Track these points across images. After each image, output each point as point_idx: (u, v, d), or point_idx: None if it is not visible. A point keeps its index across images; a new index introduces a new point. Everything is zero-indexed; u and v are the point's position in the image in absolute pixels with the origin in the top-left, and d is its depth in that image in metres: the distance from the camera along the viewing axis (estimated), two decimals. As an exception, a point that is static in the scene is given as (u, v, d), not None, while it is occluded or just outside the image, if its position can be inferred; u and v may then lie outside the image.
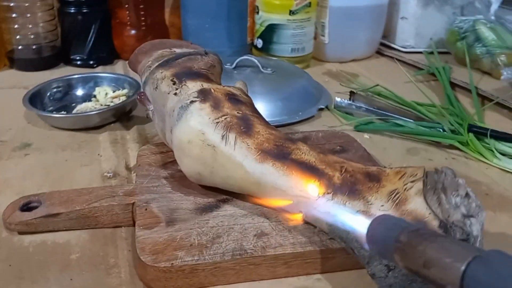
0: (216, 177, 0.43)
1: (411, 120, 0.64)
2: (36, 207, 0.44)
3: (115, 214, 0.44)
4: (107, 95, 0.69)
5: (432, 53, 0.85)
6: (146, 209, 0.43)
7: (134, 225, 0.45)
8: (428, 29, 0.92)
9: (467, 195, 0.33)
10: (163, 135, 0.50)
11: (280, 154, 0.40)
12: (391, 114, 0.66)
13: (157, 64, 0.49)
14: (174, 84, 0.46)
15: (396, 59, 0.93)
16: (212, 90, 0.45)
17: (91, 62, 0.87)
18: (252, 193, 0.42)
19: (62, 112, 0.67)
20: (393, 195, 0.34)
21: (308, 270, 0.39)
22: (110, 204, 0.44)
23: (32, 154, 0.57)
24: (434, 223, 0.31)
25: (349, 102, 0.70)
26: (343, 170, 0.37)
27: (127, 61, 0.89)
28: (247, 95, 0.47)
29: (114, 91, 0.70)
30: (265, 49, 0.88)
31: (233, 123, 0.42)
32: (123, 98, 0.69)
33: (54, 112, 0.66)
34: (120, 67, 0.88)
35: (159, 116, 0.49)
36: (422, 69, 0.85)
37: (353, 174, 0.37)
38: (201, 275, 0.38)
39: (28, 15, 0.82)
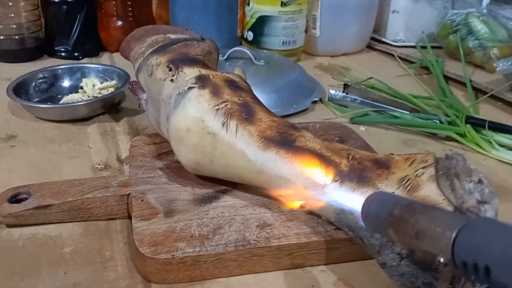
0: (216, 166, 0.41)
1: (407, 112, 0.63)
2: (25, 199, 0.42)
3: (109, 205, 0.42)
4: (94, 87, 0.67)
5: (424, 47, 0.85)
6: (142, 200, 0.41)
7: (129, 217, 0.43)
8: (419, 23, 0.91)
9: (480, 181, 0.32)
10: (157, 124, 0.48)
11: (284, 142, 0.38)
12: (387, 106, 0.66)
13: (151, 50, 0.47)
14: (170, 70, 0.45)
15: (388, 52, 0.92)
16: (211, 76, 0.43)
17: (76, 54, 0.84)
18: (253, 183, 0.41)
19: (49, 104, 0.64)
20: (404, 182, 0.33)
21: (312, 261, 0.38)
22: (104, 195, 0.42)
23: (18, 146, 0.54)
24: (449, 209, 0.30)
25: (344, 94, 0.69)
26: (350, 157, 0.36)
27: (113, 53, 0.88)
28: (246, 82, 0.46)
29: (101, 83, 0.68)
30: (256, 42, 0.87)
31: (234, 110, 0.40)
32: (111, 90, 0.66)
33: (41, 103, 0.63)
34: (106, 59, 0.86)
35: (153, 105, 0.48)
36: (413, 62, 0.84)
37: (361, 161, 0.36)
38: (203, 267, 0.36)
39: (10, 3, 0.79)
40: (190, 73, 0.44)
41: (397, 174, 0.34)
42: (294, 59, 0.87)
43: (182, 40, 0.47)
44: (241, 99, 0.42)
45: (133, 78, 0.65)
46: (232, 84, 0.43)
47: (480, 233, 0.22)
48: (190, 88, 0.42)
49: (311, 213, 0.40)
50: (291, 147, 0.38)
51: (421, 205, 0.26)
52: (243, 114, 0.40)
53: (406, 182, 0.33)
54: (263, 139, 0.39)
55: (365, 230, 0.33)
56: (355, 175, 0.35)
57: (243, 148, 0.39)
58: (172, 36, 0.49)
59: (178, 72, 0.44)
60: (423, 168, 0.34)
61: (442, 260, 0.23)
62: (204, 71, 0.44)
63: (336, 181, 0.35)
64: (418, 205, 0.26)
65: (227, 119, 0.40)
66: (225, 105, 0.41)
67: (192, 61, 0.45)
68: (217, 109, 0.41)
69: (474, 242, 0.22)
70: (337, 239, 0.38)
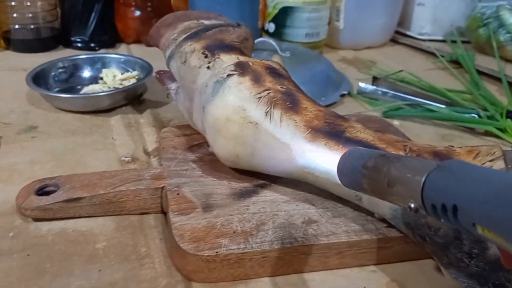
0: (257, 158, 0.39)
1: (443, 106, 0.61)
2: (53, 191, 0.39)
3: (142, 199, 0.40)
4: (115, 77, 0.64)
5: (454, 41, 0.82)
6: (178, 194, 0.38)
7: (162, 212, 0.41)
8: (446, 16, 0.89)
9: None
10: (189, 115, 0.45)
11: (333, 132, 0.36)
12: (420, 100, 0.63)
13: (184, 36, 0.44)
14: (206, 57, 0.42)
15: (412, 46, 0.90)
16: (250, 63, 0.40)
17: (93, 45, 0.81)
18: (297, 176, 0.38)
19: (67, 94, 0.61)
20: (470, 175, 0.31)
21: (362, 261, 0.36)
22: (137, 188, 0.39)
23: (39, 137, 0.52)
24: None
25: (374, 87, 0.67)
26: (408, 150, 0.34)
27: (130, 44, 0.85)
28: (285, 70, 0.43)
29: (122, 73, 0.65)
30: (278, 34, 0.84)
31: (277, 98, 0.38)
32: (132, 81, 0.64)
33: (64, 93, 0.60)
34: (123, 51, 0.83)
35: (186, 94, 0.45)
36: (441, 56, 0.81)
37: (420, 154, 0.33)
38: (248, 265, 0.34)
39: (26, -8, 0.76)
40: (228, 59, 0.41)
41: (461, 167, 0.32)
42: (317, 51, 0.85)
43: (217, 26, 0.44)
44: (284, 87, 0.39)
45: (156, 69, 0.63)
46: (273, 72, 0.40)
47: (447, 174, 0.22)
48: (229, 75, 0.39)
49: (358, 209, 0.37)
50: (341, 138, 0.35)
51: (394, 155, 0.26)
52: (287, 103, 0.38)
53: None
54: (310, 130, 0.36)
55: (427, 227, 0.30)
56: (415, 168, 0.32)
57: (288, 139, 0.36)
58: (206, 22, 0.46)
59: (215, 59, 0.41)
60: (490, 161, 0.31)
61: (412, 205, 0.23)
62: (242, 58, 0.41)
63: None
64: (391, 155, 0.26)
65: (271, 108, 0.37)
66: (268, 93, 0.38)
67: (229, 48, 0.43)
68: (259, 98, 0.38)
69: (442, 184, 0.22)
70: (389, 237, 0.35)
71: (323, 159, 0.35)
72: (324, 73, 0.69)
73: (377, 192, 0.27)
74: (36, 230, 0.37)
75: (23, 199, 0.38)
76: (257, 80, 0.39)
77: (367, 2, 0.85)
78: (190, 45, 0.43)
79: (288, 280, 0.34)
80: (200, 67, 0.42)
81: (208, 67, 0.41)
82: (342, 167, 0.30)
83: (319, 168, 0.36)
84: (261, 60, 0.42)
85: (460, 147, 0.34)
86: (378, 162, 0.26)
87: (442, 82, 0.72)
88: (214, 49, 0.42)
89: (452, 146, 0.34)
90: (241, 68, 0.40)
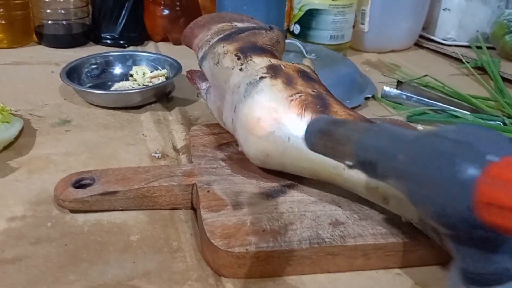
0: (287, 159, 0.40)
1: (468, 112, 0.61)
2: (89, 184, 0.41)
3: (174, 195, 0.41)
4: (144, 75, 0.66)
5: (479, 46, 0.82)
6: (208, 191, 0.40)
7: (192, 207, 0.42)
8: (472, 22, 0.88)
9: None
10: (219, 113, 0.47)
11: (363, 136, 0.37)
12: (445, 106, 0.63)
13: (218, 38, 0.46)
14: (238, 59, 0.43)
15: (437, 51, 0.90)
16: (283, 66, 0.42)
17: (122, 42, 0.83)
18: (325, 178, 0.39)
19: (100, 89, 0.63)
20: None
21: (388, 263, 0.36)
22: (170, 184, 0.41)
23: (73, 131, 0.54)
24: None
25: (399, 91, 0.67)
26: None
27: (158, 42, 0.87)
28: (316, 74, 0.44)
29: (151, 71, 0.67)
30: (303, 35, 0.85)
31: (308, 101, 0.39)
32: (162, 78, 0.65)
33: (93, 89, 0.62)
34: (151, 48, 0.85)
35: (217, 93, 0.46)
36: (467, 62, 0.81)
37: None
38: (276, 263, 0.35)
39: (60, -12, 0.79)
40: (260, 62, 0.42)
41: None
42: (341, 54, 0.85)
43: (250, 29, 0.46)
44: (315, 90, 0.40)
45: (185, 67, 0.65)
46: (304, 75, 0.41)
47: (374, 136, 0.24)
48: (262, 77, 0.40)
49: (385, 212, 0.38)
50: (370, 142, 0.36)
51: (342, 121, 0.29)
52: (318, 106, 0.39)
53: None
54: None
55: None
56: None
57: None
58: (239, 24, 0.47)
59: (247, 61, 0.43)
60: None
61: (349, 163, 0.26)
62: (274, 61, 0.42)
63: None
64: (340, 121, 0.29)
65: (302, 110, 0.38)
66: (299, 96, 0.39)
67: (261, 50, 0.44)
68: (291, 100, 0.39)
69: (369, 144, 0.24)
70: (416, 241, 0.36)
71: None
72: (349, 76, 0.70)
73: (329, 153, 0.29)
74: (73, 220, 0.39)
75: (61, 191, 0.40)
76: (289, 83, 0.40)
77: (392, 6, 0.85)
78: (223, 46, 0.45)
79: (314, 279, 0.35)
80: (233, 69, 0.43)
81: (240, 69, 0.42)
82: (306, 134, 0.33)
83: (348, 171, 0.36)
84: (293, 63, 0.43)
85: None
86: (329, 127, 0.29)
87: (467, 88, 0.72)
88: (246, 51, 0.43)
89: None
90: (274, 71, 0.41)
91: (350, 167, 0.27)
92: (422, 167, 0.18)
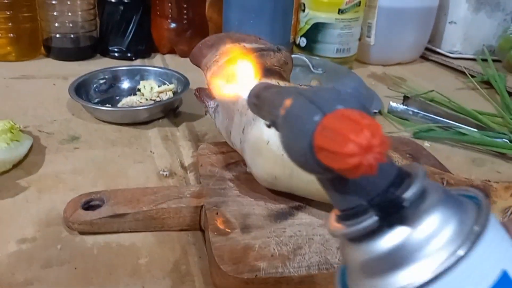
0: (295, 181, 0.40)
1: (475, 129, 0.61)
2: (98, 206, 0.41)
3: (183, 216, 0.41)
4: (152, 90, 0.66)
5: (485, 59, 0.82)
6: (217, 213, 0.40)
7: (200, 229, 0.42)
8: (478, 35, 0.89)
9: None
10: (227, 133, 0.47)
11: (371, 161, 0.37)
12: (451, 122, 0.63)
13: (226, 59, 0.46)
14: (247, 80, 0.43)
15: (442, 64, 0.90)
16: (291, 89, 0.42)
17: (129, 55, 0.84)
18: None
19: (108, 105, 0.64)
20: (508, 213, 0.31)
21: (396, 288, 0.36)
22: (178, 206, 0.41)
23: (82, 148, 0.54)
24: None
25: (405, 107, 0.67)
26: (445, 183, 0.34)
27: (164, 54, 0.87)
28: (324, 96, 0.44)
29: (159, 86, 0.67)
30: (308, 48, 0.85)
31: (316, 125, 0.39)
32: (169, 93, 0.66)
33: (106, 105, 0.63)
34: (158, 60, 0.85)
35: (225, 113, 0.46)
36: (473, 76, 0.81)
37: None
38: (284, 288, 0.35)
39: (68, 2, 0.79)
40: (269, 84, 0.42)
41: (498, 203, 0.32)
42: (347, 67, 0.85)
43: (258, 50, 0.46)
44: (323, 114, 0.40)
45: (191, 80, 0.65)
46: (313, 98, 0.41)
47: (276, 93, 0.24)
48: (270, 100, 0.41)
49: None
50: (379, 167, 0.36)
51: (275, 85, 0.28)
52: (326, 130, 0.39)
53: (511, 213, 0.31)
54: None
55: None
56: (452, 202, 0.33)
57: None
58: (247, 45, 0.48)
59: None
60: (528, 199, 0.32)
61: (266, 123, 0.26)
62: (282, 83, 0.43)
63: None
64: (273, 85, 0.28)
65: (310, 134, 0.39)
66: (308, 120, 0.39)
67: (269, 72, 0.44)
68: (299, 124, 0.39)
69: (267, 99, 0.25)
70: (423, 266, 0.36)
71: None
72: (355, 91, 0.70)
73: (257, 114, 0.29)
74: (82, 242, 0.39)
75: (71, 213, 0.40)
76: (297, 106, 0.40)
77: (398, 19, 0.85)
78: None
79: (322, 303, 0.35)
80: (241, 90, 0.43)
81: (249, 91, 0.43)
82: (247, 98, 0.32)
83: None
84: (301, 85, 0.43)
85: (497, 182, 0.35)
86: (260, 91, 0.28)
87: (473, 102, 0.72)
88: (255, 73, 0.44)
89: (489, 181, 0.35)
90: (282, 94, 0.41)
91: (267, 126, 0.28)
92: (289, 119, 0.21)
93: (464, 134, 0.60)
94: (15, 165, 0.49)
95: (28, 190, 0.46)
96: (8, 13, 0.76)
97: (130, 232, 0.41)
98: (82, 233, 0.40)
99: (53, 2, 0.78)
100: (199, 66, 0.50)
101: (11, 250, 0.38)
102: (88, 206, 0.41)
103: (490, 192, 0.33)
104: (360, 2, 0.81)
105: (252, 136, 0.41)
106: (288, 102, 0.22)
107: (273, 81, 0.43)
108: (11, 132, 0.49)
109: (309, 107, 0.19)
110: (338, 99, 0.19)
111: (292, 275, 0.34)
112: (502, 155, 0.59)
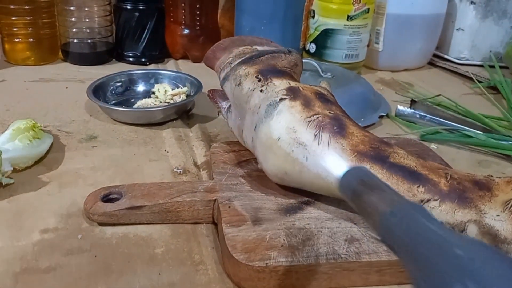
0: (305, 177, 0.42)
1: (481, 132, 0.62)
2: (116, 199, 0.43)
3: (196, 210, 0.43)
4: (166, 92, 0.69)
5: (492, 66, 0.83)
6: (229, 207, 0.42)
7: (213, 222, 0.44)
8: (485, 42, 0.90)
9: None
10: (239, 132, 0.49)
11: (377, 157, 0.38)
12: (457, 125, 0.65)
13: (239, 60, 0.48)
14: (259, 81, 0.45)
15: (450, 70, 0.91)
16: (301, 89, 0.44)
17: (144, 60, 0.86)
18: (340, 196, 0.41)
19: (124, 107, 0.66)
20: (509, 205, 0.33)
21: (401, 279, 0.38)
22: (192, 200, 0.43)
23: (100, 146, 0.56)
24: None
25: (412, 110, 0.69)
26: (449, 177, 0.36)
27: (178, 60, 0.90)
28: (332, 95, 0.46)
29: (173, 89, 0.70)
30: (318, 54, 0.87)
31: (325, 123, 0.41)
32: (182, 96, 0.68)
33: (117, 106, 0.65)
34: (172, 66, 0.88)
35: (237, 112, 0.48)
36: (479, 81, 0.83)
37: (460, 182, 0.36)
38: (294, 277, 0.36)
39: (86, 9, 0.82)
40: (280, 84, 0.44)
41: (500, 197, 0.34)
42: (355, 72, 0.87)
43: (269, 52, 0.48)
44: (332, 112, 0.42)
45: (204, 84, 0.67)
46: (322, 97, 0.43)
47: (394, 221, 0.24)
48: (281, 99, 0.43)
49: (398, 230, 0.40)
50: (385, 163, 0.38)
51: (372, 183, 0.28)
52: (335, 127, 0.41)
53: None
54: (356, 153, 0.39)
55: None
56: (455, 195, 0.35)
57: (336, 161, 0.39)
58: (259, 48, 0.50)
59: (268, 83, 0.45)
60: (528, 192, 0.33)
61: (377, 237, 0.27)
62: (293, 83, 0.45)
63: (435, 200, 0.35)
64: (370, 183, 0.28)
65: (319, 131, 0.40)
66: (317, 118, 0.41)
67: (281, 73, 0.46)
68: (309, 121, 0.41)
69: (390, 228, 0.24)
70: (428, 258, 0.37)
71: (368, 182, 0.38)
72: (363, 95, 0.72)
73: (361, 216, 0.29)
74: (101, 233, 0.41)
75: (91, 205, 0.42)
76: (307, 104, 0.42)
77: (406, 26, 0.87)
78: (245, 69, 0.47)
79: (330, 292, 0.37)
80: (253, 90, 0.45)
81: (261, 90, 0.45)
82: (341, 186, 0.32)
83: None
84: (311, 85, 0.45)
85: (499, 177, 0.36)
86: (359, 189, 0.29)
87: (479, 107, 0.73)
88: (267, 73, 0.46)
89: (491, 176, 0.36)
90: (293, 93, 0.43)
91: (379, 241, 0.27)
92: (427, 284, 0.19)
93: (470, 136, 0.62)
94: (37, 162, 0.51)
95: (50, 184, 0.48)
96: (28, 19, 0.79)
97: (147, 223, 0.43)
98: (101, 224, 0.42)
99: (72, 8, 0.81)
100: (212, 68, 0.53)
101: (35, 239, 0.40)
102: (107, 199, 0.43)
103: (492, 186, 0.35)
104: (368, 9, 0.83)
105: (263, 133, 0.43)
106: (420, 253, 0.20)
107: (284, 82, 0.45)
108: (33, 130, 0.51)
109: (457, 279, 0.17)
110: (494, 275, 0.17)
111: (301, 264, 0.36)
112: (507, 157, 0.60)
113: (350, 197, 0.29)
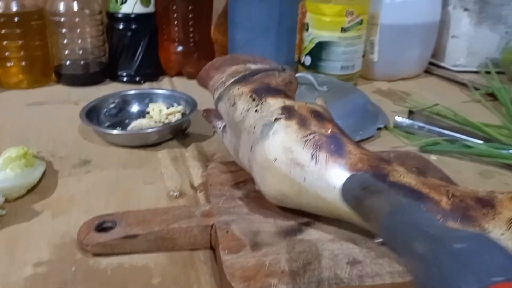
0: (303, 198, 0.40)
1: (481, 142, 0.61)
2: (110, 227, 0.42)
3: (193, 236, 0.42)
4: (161, 112, 0.68)
5: (488, 72, 0.83)
6: (227, 232, 0.41)
7: (211, 248, 0.43)
8: (481, 48, 0.89)
9: None
10: (235, 152, 0.48)
11: (377, 176, 0.37)
12: (457, 135, 0.64)
13: (232, 80, 0.47)
14: (253, 100, 0.45)
15: (447, 77, 0.91)
16: (296, 107, 0.43)
17: (138, 79, 0.86)
18: (340, 216, 0.40)
19: (118, 129, 0.65)
20: (514, 223, 0.32)
21: (406, 302, 0.37)
22: (189, 226, 0.42)
23: (93, 171, 0.55)
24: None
25: (411, 121, 0.68)
26: (450, 195, 0.35)
27: (172, 77, 0.89)
28: (329, 112, 0.45)
29: (167, 108, 0.69)
30: (313, 66, 0.86)
31: (322, 142, 0.40)
32: (178, 115, 0.67)
33: (116, 129, 0.64)
34: (166, 83, 0.87)
35: (233, 132, 0.48)
36: (477, 88, 0.82)
37: (463, 199, 0.34)
38: (296, 304, 0.35)
39: (78, 30, 0.82)
40: (275, 103, 0.43)
41: (504, 214, 0.33)
42: (352, 83, 0.87)
43: (263, 70, 0.47)
44: (329, 130, 0.41)
45: (199, 101, 0.66)
46: (318, 115, 0.42)
47: (396, 219, 0.25)
48: (276, 119, 0.42)
49: (401, 250, 0.39)
50: (385, 182, 0.37)
51: (373, 188, 0.30)
52: (332, 146, 0.40)
53: (517, 223, 0.32)
54: (354, 173, 0.38)
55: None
56: (458, 213, 0.33)
57: (334, 181, 0.38)
58: (252, 66, 0.49)
59: (262, 102, 0.44)
60: (534, 209, 0.32)
61: (377, 240, 0.29)
62: (288, 102, 0.44)
63: (437, 219, 0.34)
64: (370, 188, 0.30)
65: (316, 151, 0.39)
66: (313, 137, 0.40)
67: (275, 91, 0.45)
68: (306, 141, 0.40)
69: (392, 227, 0.25)
70: (433, 279, 0.36)
71: (368, 202, 0.37)
72: (360, 106, 0.71)
73: (362, 220, 0.30)
74: (96, 264, 0.40)
75: (84, 235, 0.41)
76: (303, 123, 0.41)
77: (401, 35, 0.87)
78: (239, 88, 0.46)
79: (334, 319, 0.36)
80: (248, 110, 0.44)
81: (256, 110, 0.44)
82: (342, 194, 0.34)
83: (364, 211, 0.37)
84: (306, 103, 0.44)
85: (502, 193, 0.35)
86: (360, 194, 0.30)
87: (478, 115, 0.72)
88: (261, 92, 0.45)
89: (494, 192, 0.35)
90: (288, 112, 0.42)
91: (379, 244, 0.28)
92: (428, 280, 0.19)
93: (470, 146, 0.61)
94: (30, 190, 0.50)
95: (43, 214, 0.47)
96: (20, 42, 0.78)
97: (143, 252, 0.41)
98: (96, 254, 0.41)
99: (63, 30, 0.81)
100: (206, 88, 0.52)
101: (28, 274, 0.39)
102: (101, 228, 0.42)
103: (495, 203, 0.34)
104: (362, 20, 0.82)
105: (260, 154, 0.41)
106: (420, 249, 0.20)
107: (279, 100, 0.44)
108: (25, 158, 0.50)
109: (457, 273, 0.18)
110: (493, 266, 0.17)
111: (303, 291, 0.35)
112: (509, 167, 0.59)
113: (353, 203, 0.30)
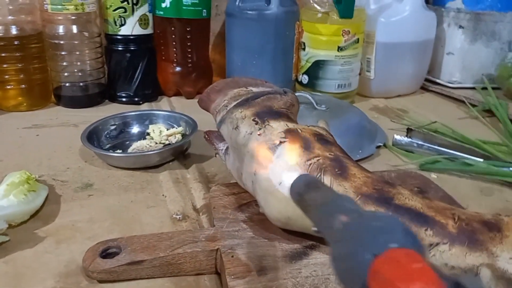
0: (308, 221, 0.40)
1: (480, 159, 0.62)
2: (115, 253, 0.42)
3: (198, 261, 0.42)
4: (161, 133, 0.68)
5: (485, 88, 0.84)
6: (232, 256, 0.41)
7: (216, 272, 0.43)
8: (476, 64, 0.91)
9: None
10: (238, 174, 0.48)
11: (382, 199, 0.38)
12: (456, 153, 0.64)
13: (235, 103, 0.48)
14: (256, 123, 0.45)
15: (442, 94, 0.92)
16: (299, 130, 0.43)
17: (137, 99, 0.86)
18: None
19: (119, 151, 0.65)
20: (520, 246, 0.32)
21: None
22: (194, 251, 0.42)
23: (96, 195, 0.55)
24: None
25: (410, 139, 0.69)
26: (457, 218, 0.35)
27: (170, 97, 0.90)
28: (331, 135, 0.45)
29: (167, 129, 0.69)
30: (310, 85, 0.87)
31: (326, 165, 0.40)
32: (178, 136, 0.67)
33: (117, 152, 0.64)
34: (165, 103, 0.88)
35: (236, 155, 0.48)
36: (474, 105, 0.83)
37: (469, 223, 0.35)
38: (304, 330, 0.35)
39: (77, 52, 0.82)
40: (277, 126, 0.44)
41: (511, 237, 0.33)
42: (349, 101, 0.87)
43: (265, 94, 0.48)
44: (332, 153, 0.42)
45: (198, 121, 0.67)
46: (321, 138, 0.43)
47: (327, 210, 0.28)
48: (280, 142, 0.42)
49: (407, 272, 0.39)
50: (390, 205, 0.37)
51: (314, 184, 0.31)
52: (336, 170, 0.40)
53: (523, 246, 0.32)
54: (360, 196, 0.38)
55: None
56: (465, 237, 0.34)
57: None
58: (254, 89, 0.49)
59: (265, 126, 0.44)
60: (538, 231, 0.32)
61: (314, 228, 0.30)
62: (291, 125, 0.44)
63: (444, 243, 0.34)
64: (312, 184, 0.31)
65: (321, 174, 0.40)
66: (317, 160, 0.41)
67: (277, 114, 0.46)
68: (310, 164, 0.40)
69: (322, 217, 0.28)
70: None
71: (373, 225, 0.37)
72: (359, 125, 0.72)
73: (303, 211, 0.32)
74: (102, 291, 0.40)
75: (90, 262, 0.41)
76: (306, 147, 0.42)
77: (396, 53, 0.88)
78: (241, 112, 0.46)
79: None
80: (251, 133, 0.45)
81: (259, 134, 0.44)
82: (291, 186, 0.34)
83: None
84: (308, 126, 0.44)
85: (508, 216, 0.35)
86: (302, 189, 0.31)
87: (476, 132, 0.73)
88: (263, 116, 0.45)
89: (500, 215, 0.36)
90: (291, 135, 0.42)
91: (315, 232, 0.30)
92: (341, 251, 0.23)
93: (470, 164, 0.61)
94: (32, 216, 0.50)
95: (46, 240, 0.46)
96: (19, 65, 0.79)
97: (148, 278, 0.41)
98: (101, 281, 0.41)
99: (62, 53, 0.81)
100: (208, 111, 0.52)
101: (33, 303, 0.38)
102: (106, 253, 0.42)
103: (502, 226, 0.34)
104: (358, 39, 0.83)
105: (263, 177, 0.42)
106: (341, 220, 0.24)
107: (282, 123, 0.44)
108: (28, 183, 0.50)
109: (361, 245, 0.21)
110: (390, 236, 0.21)
111: (311, 317, 0.35)
112: (509, 184, 0.59)
113: (296, 198, 0.31)
